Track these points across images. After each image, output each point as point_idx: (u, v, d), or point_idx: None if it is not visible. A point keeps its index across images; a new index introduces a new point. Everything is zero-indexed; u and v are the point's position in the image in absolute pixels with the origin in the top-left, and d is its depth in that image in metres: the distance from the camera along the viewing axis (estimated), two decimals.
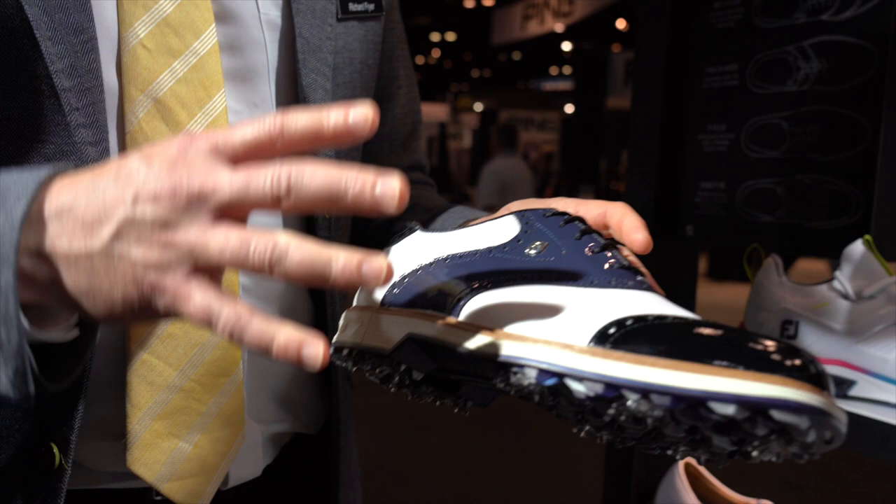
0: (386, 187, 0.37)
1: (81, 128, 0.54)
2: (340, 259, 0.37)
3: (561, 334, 0.41)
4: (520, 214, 0.51)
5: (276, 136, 0.40)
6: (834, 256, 0.87)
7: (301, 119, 0.40)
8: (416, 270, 0.52)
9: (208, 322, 0.38)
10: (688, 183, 1.06)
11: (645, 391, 0.37)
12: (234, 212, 0.39)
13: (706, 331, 0.39)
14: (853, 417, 0.81)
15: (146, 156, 0.40)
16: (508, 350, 0.43)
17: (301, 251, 0.37)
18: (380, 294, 0.53)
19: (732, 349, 0.37)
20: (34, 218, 0.40)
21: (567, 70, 14.35)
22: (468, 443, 3.38)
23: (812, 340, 0.85)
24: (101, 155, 0.56)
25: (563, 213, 0.50)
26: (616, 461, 1.12)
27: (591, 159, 10.92)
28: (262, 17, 0.63)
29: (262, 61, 0.63)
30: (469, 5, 11.18)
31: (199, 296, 0.39)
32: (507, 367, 0.42)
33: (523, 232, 0.50)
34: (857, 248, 0.84)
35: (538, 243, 0.48)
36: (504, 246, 0.49)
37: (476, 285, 0.47)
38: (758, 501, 1.02)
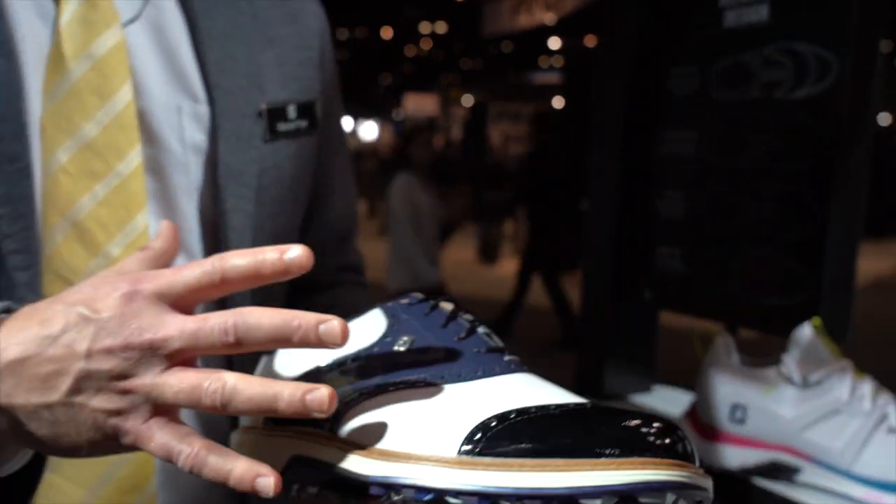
0: (329, 327, 0.42)
1: (13, 254, 0.55)
2: (286, 394, 0.41)
3: (432, 446, 0.42)
4: (385, 307, 0.51)
5: (218, 281, 0.43)
6: (784, 334, 0.87)
7: (240, 263, 0.43)
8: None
9: (169, 459, 0.42)
10: (645, 247, 1.05)
11: (517, 497, 0.39)
12: (185, 355, 0.42)
13: (567, 420, 0.41)
14: None
15: (90, 302, 0.42)
16: (384, 471, 0.43)
17: (250, 390, 0.41)
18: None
19: (594, 436, 0.39)
20: None
21: (558, 62, 14.32)
22: None
23: (760, 426, 0.85)
24: (32, 279, 0.56)
25: (427, 300, 0.51)
26: None
27: (580, 153, 10.91)
28: (187, 141, 0.62)
29: (185, 183, 0.63)
30: None
31: (159, 436, 0.42)
32: (387, 487, 0.43)
33: (390, 327, 0.50)
34: (806, 331, 0.83)
35: (405, 338, 0.49)
36: (373, 346, 0.49)
37: (351, 396, 0.47)
38: None
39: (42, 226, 0.57)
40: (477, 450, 0.40)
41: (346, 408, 0.47)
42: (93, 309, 0.41)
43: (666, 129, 1.02)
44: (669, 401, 1.10)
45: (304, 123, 0.67)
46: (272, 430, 0.52)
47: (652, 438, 0.38)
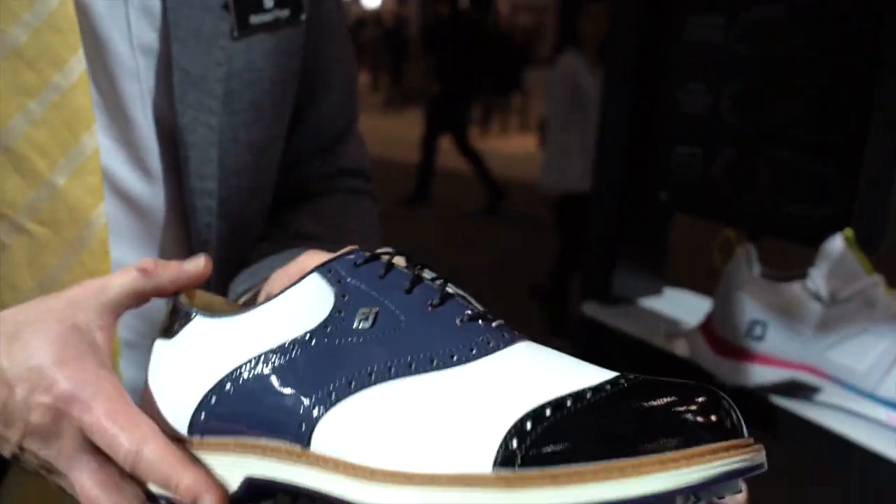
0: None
1: None
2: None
3: (456, 461, 0.34)
4: (324, 272, 0.41)
5: None
6: (812, 245, 0.81)
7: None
8: (222, 383, 0.41)
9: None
10: (663, 145, 0.97)
11: None
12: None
13: (611, 408, 0.34)
14: (813, 426, 0.77)
15: (28, 390, 0.41)
16: (400, 499, 0.35)
17: None
18: (183, 420, 0.42)
19: (649, 427, 0.33)
20: None
21: None
22: None
23: (780, 343, 0.79)
24: None
25: (377, 257, 0.42)
26: None
27: None
28: (134, 42, 0.53)
29: (136, 93, 0.54)
30: None
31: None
32: None
33: (339, 297, 0.40)
34: (836, 243, 0.77)
35: (365, 310, 0.40)
36: (325, 325, 0.40)
37: (317, 396, 0.38)
38: None
39: None
40: (518, 462, 0.33)
41: (317, 414, 0.38)
42: (25, 401, 0.41)
43: (690, 13, 0.92)
44: (681, 305, 1.06)
45: (284, 13, 0.57)
46: (206, 443, 0.42)
47: (707, 419, 0.33)
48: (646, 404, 0.33)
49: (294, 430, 0.38)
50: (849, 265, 0.77)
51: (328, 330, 0.40)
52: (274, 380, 0.40)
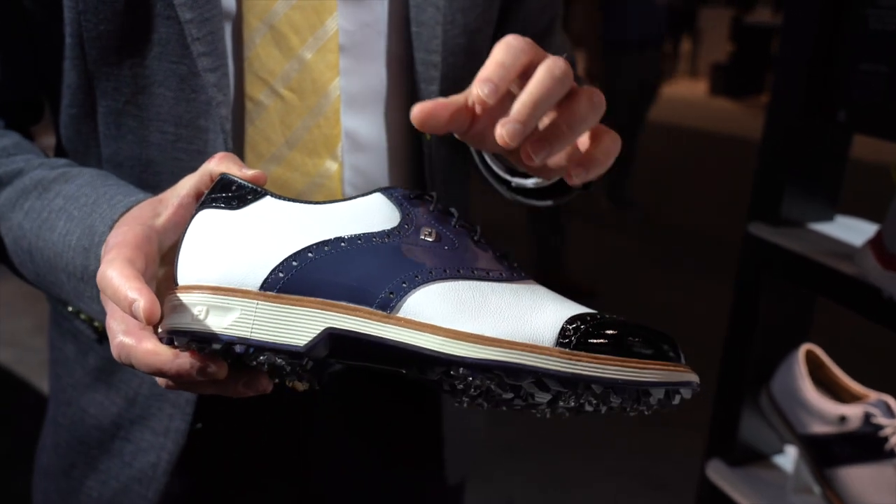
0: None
1: (202, 56, 0.59)
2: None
3: (523, 337, 0.45)
4: (388, 194, 0.49)
5: None
6: None
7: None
8: (305, 252, 0.46)
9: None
10: (845, 62, 0.96)
11: (610, 382, 0.45)
12: None
13: (615, 327, 0.46)
14: None
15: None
16: (481, 353, 0.44)
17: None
18: (255, 276, 0.46)
19: (650, 344, 0.46)
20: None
21: None
22: None
23: None
24: (220, 80, 0.60)
25: (420, 194, 0.50)
26: (736, 340, 1.12)
27: None
28: None
29: None
30: None
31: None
32: (481, 369, 0.44)
33: (405, 216, 0.48)
34: None
35: (426, 229, 0.48)
36: (399, 230, 0.47)
37: (403, 276, 0.46)
38: (878, 395, 1.01)
39: (242, 28, 0.60)
40: (572, 344, 0.45)
41: (404, 287, 0.46)
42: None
43: None
44: (853, 231, 1.05)
45: None
46: (283, 297, 0.46)
47: (672, 351, 0.47)
48: (635, 328, 0.46)
49: (379, 299, 0.46)
50: None
51: (403, 234, 0.48)
52: (360, 258, 0.46)
